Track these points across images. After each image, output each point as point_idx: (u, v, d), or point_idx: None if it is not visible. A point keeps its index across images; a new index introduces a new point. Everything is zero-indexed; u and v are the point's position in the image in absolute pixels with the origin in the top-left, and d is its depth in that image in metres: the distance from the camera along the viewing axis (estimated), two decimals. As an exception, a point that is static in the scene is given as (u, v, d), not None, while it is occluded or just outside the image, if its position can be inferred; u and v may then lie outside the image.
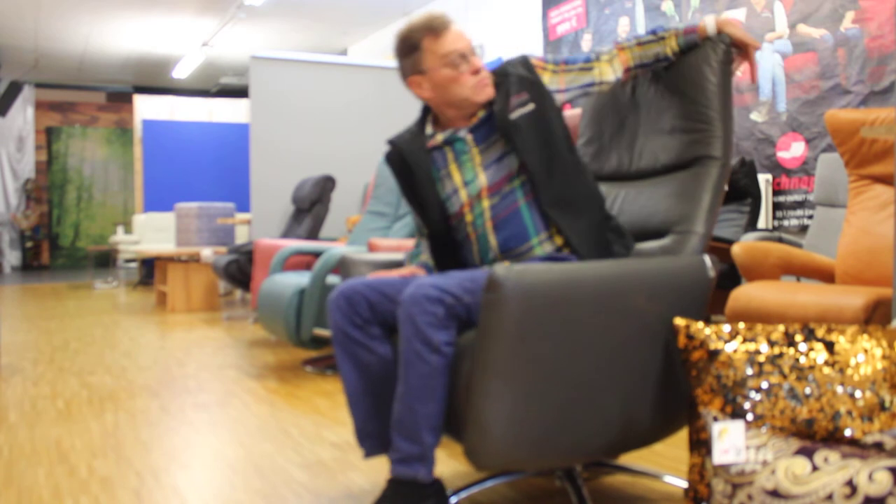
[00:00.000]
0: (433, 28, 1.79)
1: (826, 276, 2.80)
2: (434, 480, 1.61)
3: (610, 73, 1.89)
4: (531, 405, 1.48)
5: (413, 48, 1.81)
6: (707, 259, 1.72)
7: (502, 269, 1.44)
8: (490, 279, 1.45)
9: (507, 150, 1.81)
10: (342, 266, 1.98)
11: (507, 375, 1.45)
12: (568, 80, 1.87)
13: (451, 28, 1.81)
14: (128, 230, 10.55)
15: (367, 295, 1.72)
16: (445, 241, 1.90)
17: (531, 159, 1.76)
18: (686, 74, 1.89)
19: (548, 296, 1.47)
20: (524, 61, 1.85)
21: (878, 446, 1.37)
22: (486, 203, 1.81)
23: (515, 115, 1.78)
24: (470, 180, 1.83)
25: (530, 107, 1.79)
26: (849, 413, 1.40)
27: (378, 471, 2.15)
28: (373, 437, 1.75)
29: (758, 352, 1.47)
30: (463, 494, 1.90)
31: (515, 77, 1.82)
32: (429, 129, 1.91)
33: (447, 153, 1.87)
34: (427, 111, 1.94)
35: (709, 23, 1.87)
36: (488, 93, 1.82)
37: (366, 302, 1.72)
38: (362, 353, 1.73)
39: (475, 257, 1.85)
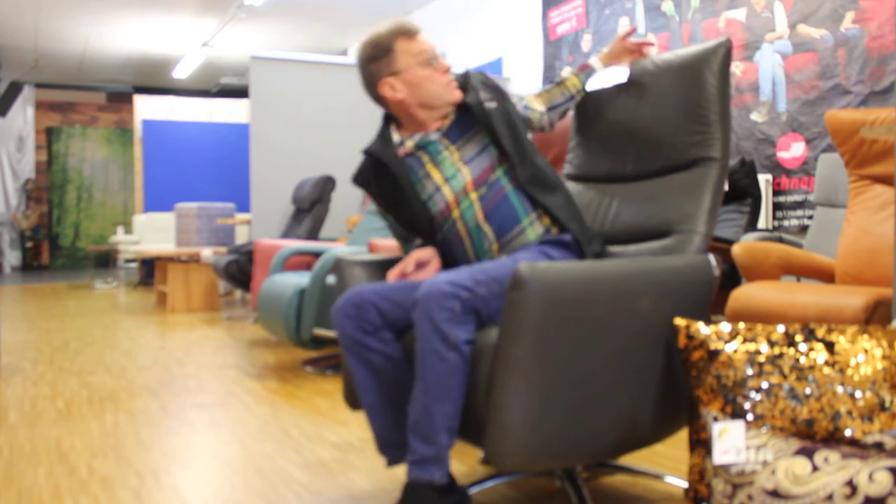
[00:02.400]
0: (407, 30, 1.89)
1: (826, 276, 2.80)
2: (451, 483, 1.58)
3: (538, 105, 2.05)
4: (549, 404, 1.48)
5: (386, 51, 1.89)
6: (712, 258, 1.72)
7: (526, 266, 1.44)
8: (515, 277, 1.45)
9: (486, 142, 1.88)
10: (336, 267, 1.96)
11: (529, 373, 1.45)
12: (520, 105, 2.01)
13: (422, 31, 1.92)
14: (128, 230, 10.55)
15: (376, 302, 1.70)
16: (433, 244, 1.91)
17: (507, 143, 1.84)
18: (686, 77, 1.90)
19: (569, 293, 1.48)
20: (483, 74, 1.98)
21: (879, 446, 1.37)
22: (473, 195, 1.84)
23: (488, 107, 1.88)
24: (451, 176, 1.86)
25: (494, 104, 1.90)
26: (849, 413, 1.40)
27: (379, 471, 2.15)
28: (396, 446, 1.72)
29: (758, 352, 1.47)
30: (463, 494, 1.90)
31: (478, 81, 1.93)
32: (396, 137, 1.94)
33: (421, 157, 1.90)
34: (388, 119, 1.98)
35: (594, 63, 2.10)
36: (457, 94, 1.90)
37: (375, 309, 1.70)
38: (377, 358, 1.70)
39: (468, 252, 1.85)
